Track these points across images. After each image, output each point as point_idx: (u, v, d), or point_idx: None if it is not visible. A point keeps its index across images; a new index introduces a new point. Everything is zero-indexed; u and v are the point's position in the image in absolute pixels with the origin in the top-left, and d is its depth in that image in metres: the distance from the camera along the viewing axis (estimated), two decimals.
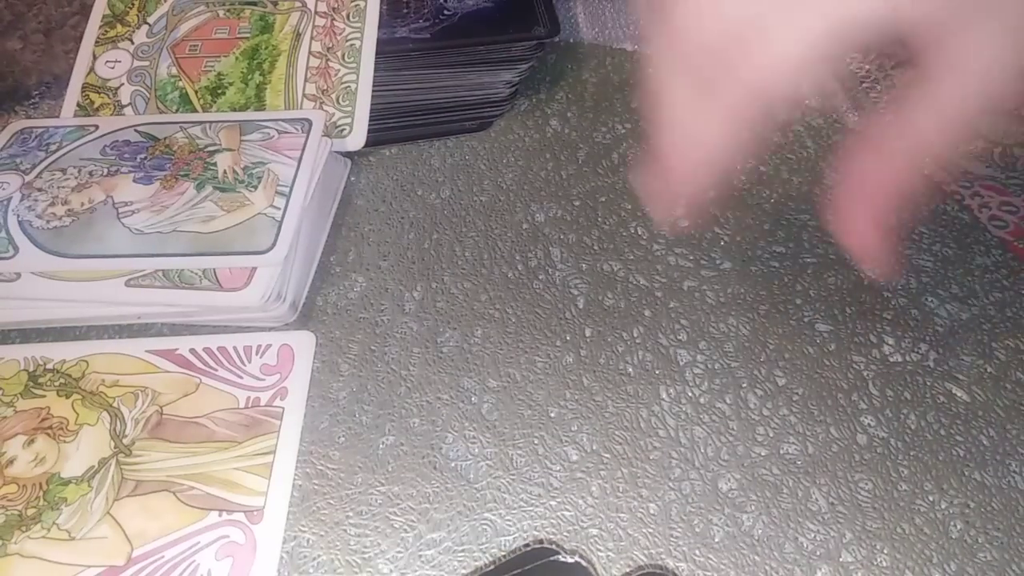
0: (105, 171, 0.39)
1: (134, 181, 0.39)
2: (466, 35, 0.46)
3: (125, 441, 0.32)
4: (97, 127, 0.42)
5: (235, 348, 0.35)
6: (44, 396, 0.33)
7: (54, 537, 0.29)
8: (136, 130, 0.42)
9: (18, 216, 0.37)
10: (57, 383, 0.34)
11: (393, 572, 0.29)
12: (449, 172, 0.44)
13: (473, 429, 0.33)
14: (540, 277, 0.38)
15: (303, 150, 0.40)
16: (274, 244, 0.36)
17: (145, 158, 0.40)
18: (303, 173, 0.39)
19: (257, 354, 0.35)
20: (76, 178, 0.39)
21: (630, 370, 0.35)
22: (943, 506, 0.30)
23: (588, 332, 0.36)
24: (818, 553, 0.29)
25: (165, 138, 0.41)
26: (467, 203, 0.42)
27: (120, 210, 0.37)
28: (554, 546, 0.29)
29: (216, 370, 0.34)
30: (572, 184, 0.43)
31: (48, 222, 0.37)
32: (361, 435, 0.33)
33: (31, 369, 0.34)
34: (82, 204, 0.38)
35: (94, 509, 0.30)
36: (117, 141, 0.41)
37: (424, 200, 0.42)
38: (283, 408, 0.33)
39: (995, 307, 0.37)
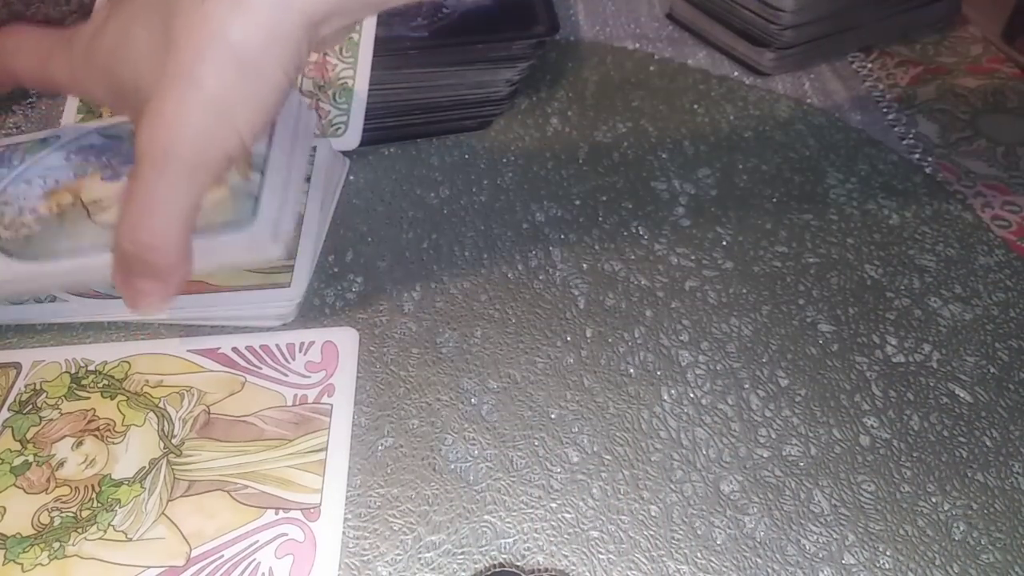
0: (72, 175, 0.39)
1: (102, 179, 0.38)
2: (465, 33, 0.45)
3: (174, 441, 0.32)
4: (59, 137, 0.42)
5: (277, 346, 0.35)
6: (89, 398, 0.33)
7: (111, 538, 0.29)
8: (99, 134, 0.41)
9: None
10: (100, 384, 0.34)
11: (392, 575, 0.29)
12: (448, 171, 0.44)
13: (473, 430, 0.33)
14: (540, 277, 0.38)
15: (274, 124, 0.38)
16: (255, 214, 0.34)
17: (111, 157, 0.39)
18: (278, 144, 0.37)
19: (300, 351, 0.35)
20: (43, 187, 0.38)
21: (631, 371, 0.34)
22: (946, 508, 0.30)
23: (589, 332, 0.36)
24: (820, 555, 0.29)
25: (130, 136, 0.40)
26: (466, 203, 0.42)
27: (90, 208, 0.37)
28: (515, 569, 0.28)
29: (260, 368, 0.34)
30: (573, 183, 0.43)
31: (17, 231, 0.36)
32: (359, 436, 0.32)
33: (73, 371, 0.34)
34: (51, 209, 0.37)
35: (148, 510, 0.30)
36: (82, 147, 0.40)
37: (423, 200, 0.42)
38: (331, 405, 0.33)
39: (998, 307, 0.37)
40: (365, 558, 0.29)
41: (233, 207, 0.35)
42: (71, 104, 0.45)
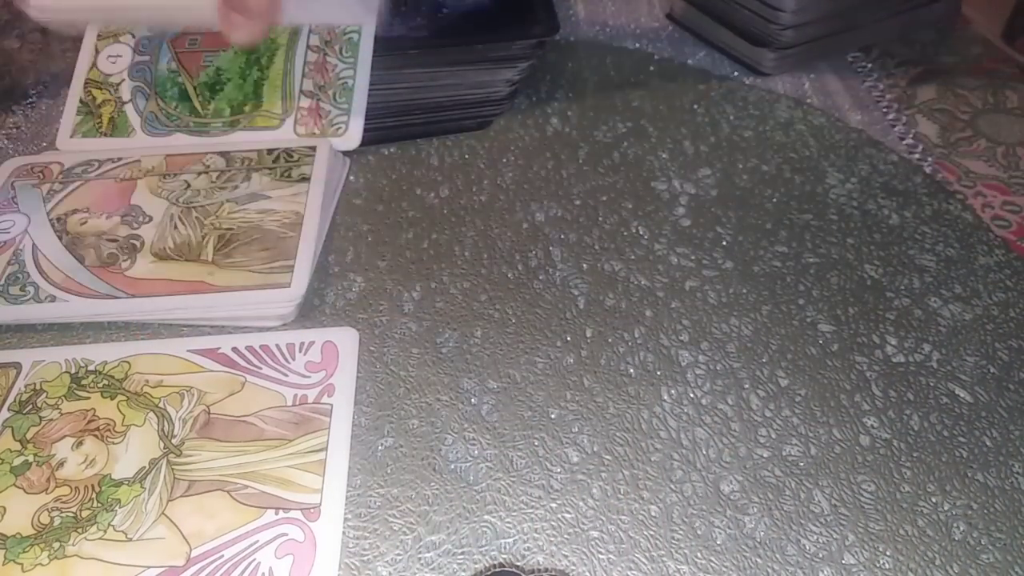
0: None
1: None
2: (465, 33, 0.45)
3: (174, 441, 0.32)
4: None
5: (277, 346, 0.35)
6: (89, 398, 0.33)
7: (111, 538, 0.29)
8: None
9: None
10: (100, 384, 0.34)
11: (392, 575, 0.29)
12: (448, 171, 0.44)
13: (473, 430, 0.33)
14: (540, 277, 0.38)
15: None
16: None
17: None
18: None
19: (300, 351, 0.35)
20: None
21: (631, 371, 0.34)
22: (946, 508, 0.30)
23: (589, 332, 0.36)
24: (820, 555, 0.29)
25: None
26: (466, 202, 0.42)
27: None
28: (515, 569, 0.28)
29: (260, 368, 0.34)
30: (573, 183, 0.43)
31: None
32: (359, 437, 0.32)
33: (73, 371, 0.34)
34: None
35: (148, 510, 0.30)
36: None
37: (423, 199, 0.42)
38: (331, 405, 0.33)
39: (998, 307, 0.37)
40: (365, 558, 0.29)
41: None
42: (71, 105, 0.45)
